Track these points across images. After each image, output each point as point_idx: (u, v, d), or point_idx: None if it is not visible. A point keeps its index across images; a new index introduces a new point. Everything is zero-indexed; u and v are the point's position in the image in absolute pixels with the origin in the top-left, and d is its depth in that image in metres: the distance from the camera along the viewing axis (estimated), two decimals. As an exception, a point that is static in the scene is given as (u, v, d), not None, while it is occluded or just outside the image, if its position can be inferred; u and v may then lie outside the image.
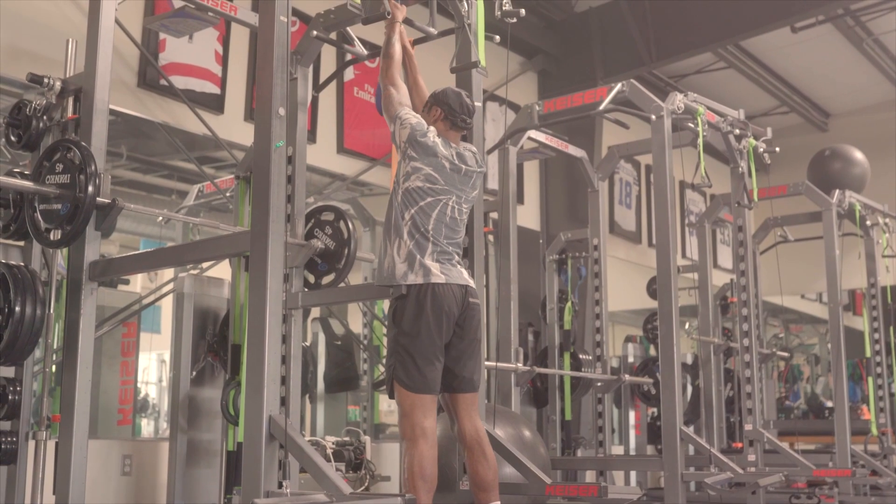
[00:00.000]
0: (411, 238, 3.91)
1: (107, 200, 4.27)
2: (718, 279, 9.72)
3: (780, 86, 11.61)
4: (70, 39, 4.57)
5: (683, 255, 10.94)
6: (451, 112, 4.10)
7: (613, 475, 7.87)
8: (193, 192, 7.18)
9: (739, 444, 6.89)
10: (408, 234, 3.91)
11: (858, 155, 8.91)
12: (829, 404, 9.17)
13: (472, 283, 4.05)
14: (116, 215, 4.40)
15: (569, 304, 7.58)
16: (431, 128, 4.05)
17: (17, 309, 4.13)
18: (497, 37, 4.81)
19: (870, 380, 8.38)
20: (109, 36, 4.42)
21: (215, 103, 6.76)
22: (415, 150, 3.95)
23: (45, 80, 4.43)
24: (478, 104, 4.54)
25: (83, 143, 4.29)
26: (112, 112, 4.70)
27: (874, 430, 8.11)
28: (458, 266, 4.01)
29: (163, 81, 6.36)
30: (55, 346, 4.56)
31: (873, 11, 10.00)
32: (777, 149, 6.80)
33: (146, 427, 8.60)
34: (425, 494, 3.76)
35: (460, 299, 3.94)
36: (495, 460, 4.04)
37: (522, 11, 4.50)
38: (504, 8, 4.50)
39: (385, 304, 8.03)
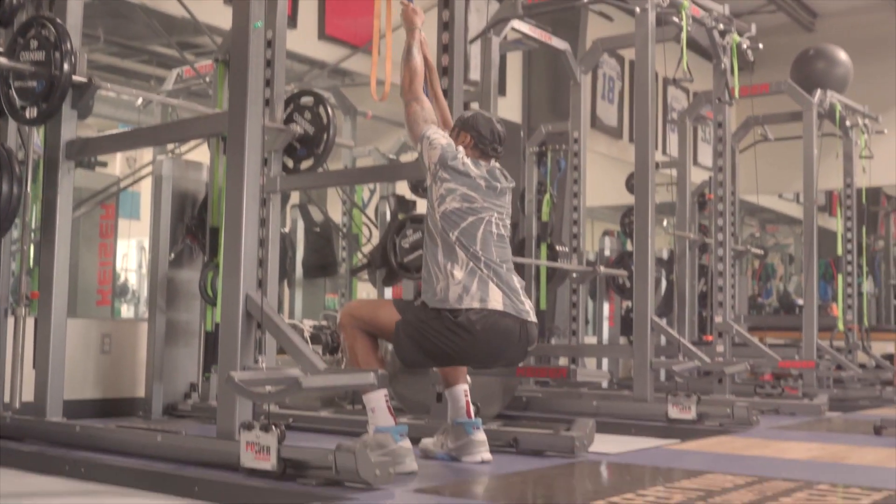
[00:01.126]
0: (464, 260, 3.64)
1: (83, 79, 4.24)
2: (697, 177, 9.76)
3: (768, -18, 11.48)
4: (46, -88, 4.47)
5: (664, 152, 10.96)
6: (481, 140, 3.83)
7: (585, 362, 8.06)
8: (172, 76, 7.13)
9: (710, 337, 7.04)
10: (460, 256, 3.64)
11: (842, 55, 8.89)
12: (801, 302, 9.32)
13: (533, 317, 3.75)
14: (93, 94, 4.39)
15: (547, 196, 7.62)
16: (460, 148, 3.80)
17: (-6, 186, 4.14)
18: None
19: (840, 277, 8.54)
20: None
21: (195, -17, 6.63)
22: (447, 172, 3.71)
23: (20, -45, 4.35)
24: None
25: (58, 20, 4.24)
26: (88, -4, 4.61)
27: (840, 326, 8.30)
28: (521, 295, 3.74)
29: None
30: (33, 226, 4.58)
31: None
32: (760, 45, 6.78)
33: (126, 311, 8.68)
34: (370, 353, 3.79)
35: (516, 341, 3.70)
36: None
37: None
38: None
39: (364, 192, 8.08)
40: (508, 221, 3.86)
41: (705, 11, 6.43)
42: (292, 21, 7.11)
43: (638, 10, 5.95)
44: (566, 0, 6.25)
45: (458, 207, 3.69)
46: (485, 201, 3.73)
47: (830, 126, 8.55)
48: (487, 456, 3.87)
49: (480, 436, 3.87)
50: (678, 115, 8.93)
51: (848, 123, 8.65)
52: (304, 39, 7.35)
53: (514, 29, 6.67)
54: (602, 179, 9.88)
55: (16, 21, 4.46)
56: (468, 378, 4.01)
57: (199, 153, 6.47)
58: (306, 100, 4.69)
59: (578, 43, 8.79)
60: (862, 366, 8.36)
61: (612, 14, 6.81)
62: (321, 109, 4.67)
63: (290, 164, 4.70)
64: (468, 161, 3.76)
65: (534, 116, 9.36)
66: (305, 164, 4.71)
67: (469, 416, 3.89)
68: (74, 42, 4.25)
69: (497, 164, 3.92)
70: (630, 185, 8.50)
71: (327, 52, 7.65)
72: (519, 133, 9.01)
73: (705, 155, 11.30)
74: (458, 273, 3.63)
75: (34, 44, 4.23)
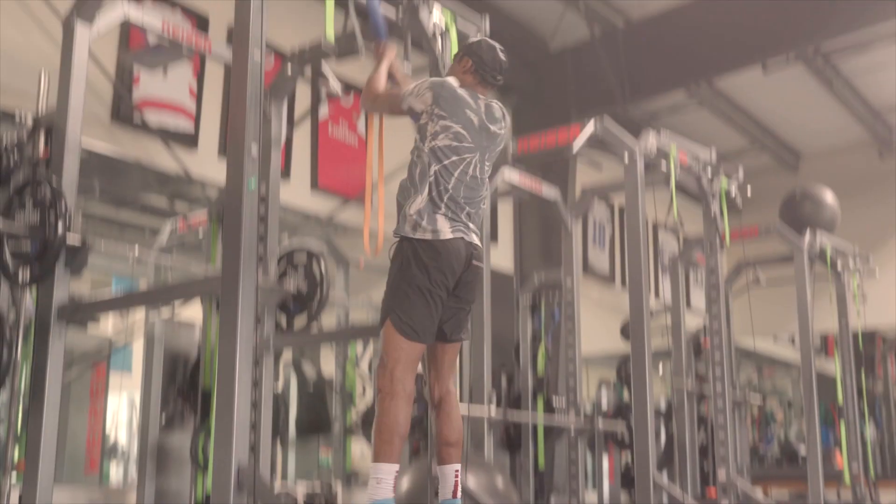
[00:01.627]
0: (429, 194, 3.76)
1: (77, 240, 4.20)
2: (692, 321, 9.72)
3: (752, 125, 11.72)
4: (43, 70, 4.53)
5: (657, 296, 10.95)
6: (481, 65, 3.91)
7: (588, 522, 7.81)
8: (166, 230, 7.11)
9: (713, 490, 6.83)
10: (427, 190, 3.76)
11: (829, 196, 8.95)
12: (803, 451, 9.12)
13: (478, 243, 3.88)
14: (87, 255, 4.34)
15: (542, 347, 7.53)
16: (449, 78, 3.90)
17: (-18, 352, 4.05)
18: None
19: (842, 424, 8.36)
20: (83, 70, 4.39)
21: (189, 139, 6.71)
22: (443, 108, 3.79)
23: (17, 116, 4.38)
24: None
25: (54, 181, 4.23)
26: (84, 151, 4.63)
27: (847, 480, 8.05)
28: (470, 227, 3.84)
29: (137, 119, 6.31)
30: (22, 390, 4.45)
31: (843, 52, 10.11)
32: (749, 190, 6.82)
33: (115, 472, 8.43)
34: (399, 445, 3.68)
35: (463, 256, 3.79)
36: (461, 422, 3.98)
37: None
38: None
39: (358, 347, 7.97)
40: (490, 164, 3.93)
41: (693, 157, 6.49)
42: (285, 173, 7.18)
43: (627, 158, 6.00)
44: (555, 151, 6.29)
45: (447, 145, 3.77)
46: (472, 141, 3.81)
47: (822, 266, 8.55)
48: None
49: None
50: (670, 261, 8.92)
51: (839, 265, 8.65)
52: (297, 191, 7.41)
53: (504, 178, 6.72)
54: (595, 326, 9.81)
55: (12, 181, 4.45)
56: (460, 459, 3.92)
57: (193, 310, 6.39)
58: (300, 257, 4.66)
59: (568, 190, 8.87)
60: (871, 517, 8.12)
61: (600, 160, 6.88)
62: (315, 266, 4.64)
63: (284, 320, 4.63)
64: (464, 91, 3.84)
65: (526, 263, 9.37)
66: (299, 322, 4.63)
67: (455, 496, 3.82)
68: (70, 202, 4.23)
69: (495, 104, 3.96)
70: (626, 334, 8.44)
71: (320, 204, 7.69)
72: (511, 284, 9.00)
73: (698, 297, 11.30)
74: (416, 206, 3.74)
75: (30, 204, 4.21)
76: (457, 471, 3.87)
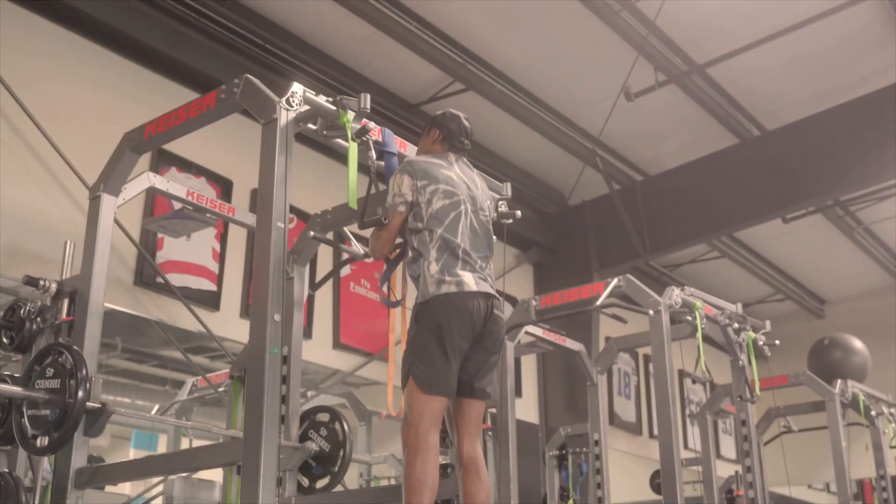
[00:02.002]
0: (441, 252, 3.87)
1: (97, 405, 4.17)
2: (722, 470, 9.49)
3: (775, 274, 11.71)
4: (68, 241, 4.59)
5: (685, 446, 10.71)
6: (449, 134, 4.14)
7: None
8: (187, 386, 7.10)
9: None
10: (437, 249, 3.87)
11: (858, 343, 8.88)
12: None
13: (496, 294, 3.98)
14: (106, 419, 4.30)
15: (570, 501, 7.36)
16: (415, 157, 4.10)
17: (-2, 520, 3.98)
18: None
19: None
20: (108, 238, 4.43)
21: (211, 300, 6.75)
22: (423, 178, 3.94)
23: (41, 283, 4.42)
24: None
25: (75, 348, 4.22)
26: (107, 311, 4.66)
27: None
28: (487, 279, 3.95)
29: (159, 279, 6.37)
30: (36, 556, 4.35)
31: (862, 202, 10.20)
32: (777, 341, 6.76)
33: None
34: (430, 499, 3.67)
35: (484, 309, 3.88)
36: (489, 482, 3.93)
37: (518, 213, 4.53)
38: (501, 209, 4.52)
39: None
40: (486, 218, 4.08)
41: (718, 310, 6.45)
42: (307, 331, 7.18)
43: (652, 312, 5.98)
44: (578, 305, 6.28)
45: (442, 205, 3.92)
46: (461, 193, 3.99)
47: (854, 414, 8.38)
48: None
49: None
50: (698, 411, 8.79)
51: (873, 412, 8.49)
52: (319, 348, 7.40)
53: (527, 332, 6.70)
54: (623, 476, 9.60)
55: (35, 347, 4.46)
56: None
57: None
58: (322, 416, 4.60)
59: (592, 342, 8.83)
60: None
61: (624, 314, 6.86)
62: (337, 426, 4.57)
63: (306, 482, 4.54)
64: (429, 157, 4.05)
65: (551, 416, 9.24)
66: (321, 482, 4.54)
67: None
68: (91, 368, 4.20)
69: (474, 172, 4.17)
70: (656, 485, 8.25)
71: (342, 360, 7.67)
72: (536, 434, 8.87)
73: (727, 446, 11.08)
74: (435, 265, 3.84)
75: (50, 371, 4.19)
76: None
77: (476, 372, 3.96)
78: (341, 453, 4.53)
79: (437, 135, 4.18)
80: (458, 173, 4.08)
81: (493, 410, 6.92)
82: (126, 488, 7.42)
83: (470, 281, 3.86)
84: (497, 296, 4.00)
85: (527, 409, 9.09)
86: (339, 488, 4.76)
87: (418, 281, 3.94)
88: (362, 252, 4.90)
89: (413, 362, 3.85)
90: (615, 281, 6.09)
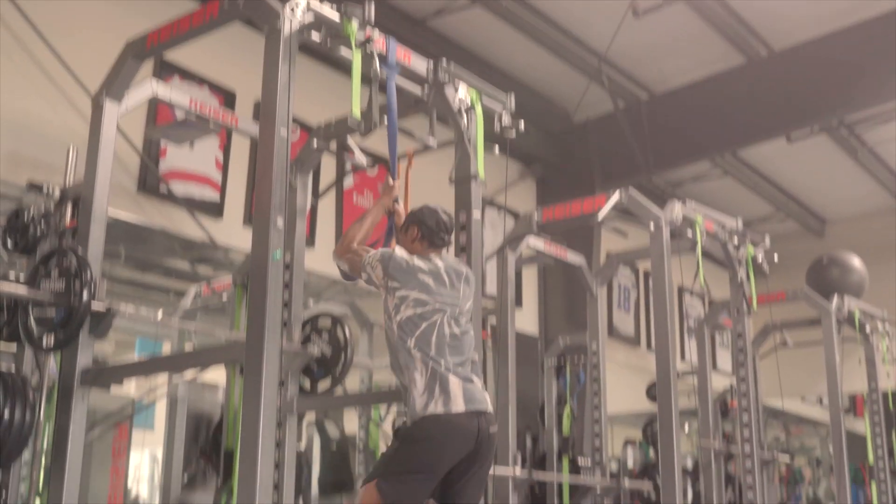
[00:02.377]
0: (424, 367, 3.72)
1: (102, 307, 4.25)
2: (718, 382, 9.63)
3: (777, 193, 11.71)
4: (71, 146, 4.61)
5: (682, 359, 10.88)
6: (428, 232, 3.97)
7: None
8: (190, 294, 7.17)
9: (742, 553, 6.74)
10: (420, 362, 3.73)
11: (856, 262, 8.94)
12: (833, 512, 9.01)
13: (490, 408, 3.82)
14: (111, 321, 4.38)
15: (567, 409, 7.51)
16: (397, 248, 3.94)
17: (6, 415, 4.11)
18: (497, 146, 4.82)
19: (873, 484, 8.27)
20: (111, 145, 4.45)
21: (215, 209, 6.79)
22: (395, 280, 3.81)
23: (45, 188, 4.46)
24: (476, 215, 4.52)
25: (80, 251, 4.29)
26: (110, 218, 4.71)
27: (879, 547, 7.95)
28: (479, 389, 3.80)
29: (163, 187, 6.40)
30: (44, 450, 4.48)
31: (867, 122, 10.15)
32: (776, 257, 6.81)
33: (137, 531, 8.41)
34: None
35: (475, 430, 3.72)
36: None
37: (522, 125, 4.53)
38: (504, 124, 4.52)
39: (382, 407, 7.95)
40: (467, 320, 3.92)
41: (719, 225, 6.49)
42: (310, 240, 7.23)
43: (652, 226, 6.02)
44: (580, 219, 6.31)
45: (411, 315, 3.77)
46: (436, 301, 3.81)
47: (849, 330, 8.49)
48: None
49: None
50: (696, 324, 8.89)
51: (868, 329, 8.59)
52: (321, 258, 7.43)
53: (529, 246, 6.75)
54: (620, 387, 9.74)
55: (39, 250, 4.52)
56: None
57: (216, 372, 6.42)
58: (324, 321, 4.67)
59: (593, 256, 8.88)
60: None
61: (625, 228, 6.92)
62: (339, 330, 4.65)
63: (308, 384, 4.64)
64: (412, 258, 3.87)
65: (550, 327, 9.35)
66: (323, 384, 4.64)
67: None
68: (95, 271, 4.27)
69: (450, 258, 4.02)
70: (652, 395, 8.40)
71: (345, 269, 7.72)
72: (536, 345, 8.99)
73: (724, 359, 11.22)
74: (420, 380, 3.70)
75: (55, 273, 4.26)
76: None
77: (463, 485, 3.81)
78: (343, 357, 4.62)
79: (416, 232, 3.99)
80: (441, 276, 3.88)
81: (493, 320, 7.03)
82: (131, 391, 7.58)
83: (458, 397, 3.70)
84: (490, 412, 3.82)
85: (527, 320, 9.20)
86: (339, 392, 4.88)
87: (405, 390, 3.79)
88: (365, 162, 4.93)
89: (385, 474, 3.68)
90: (617, 195, 6.11)
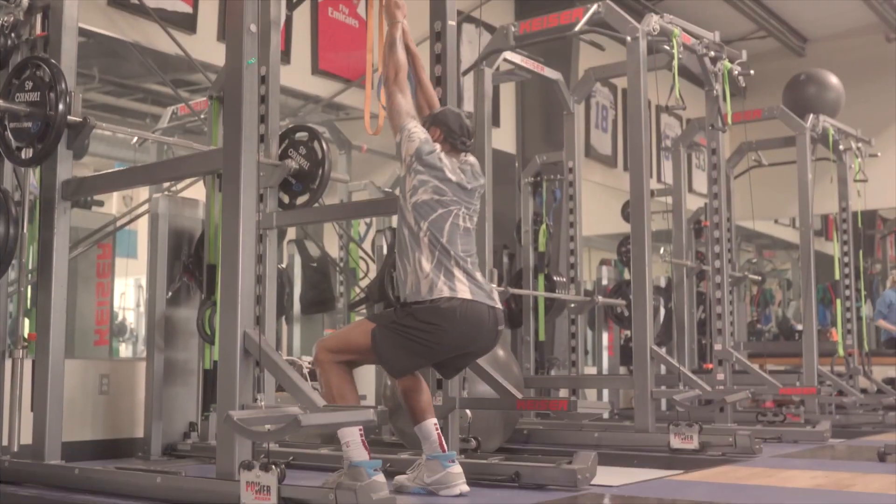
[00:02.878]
0: (431, 251, 3.77)
1: (78, 118, 4.25)
2: (693, 203, 9.79)
3: (758, 9, 11.54)
4: (37, -48, 4.48)
5: (659, 180, 10.98)
6: (450, 134, 3.95)
7: (586, 393, 8.03)
8: (167, 114, 7.14)
9: (710, 366, 7.02)
10: (428, 247, 3.78)
11: (833, 79, 8.95)
12: (800, 327, 9.31)
13: (499, 305, 3.92)
14: (88, 134, 4.39)
15: (543, 226, 7.64)
16: (437, 145, 3.91)
17: (-9, 228, 4.14)
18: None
19: (838, 302, 8.52)
20: (78, -50, 4.35)
21: (187, 22, 6.66)
22: (421, 165, 3.83)
23: (11, -3, 4.37)
24: (451, 23, 4.49)
25: (52, 61, 4.25)
26: (82, 32, 4.62)
27: (841, 351, 8.27)
28: (485, 283, 3.88)
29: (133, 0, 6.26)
30: (29, 267, 4.56)
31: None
32: (752, 71, 6.80)
33: (124, 350, 8.64)
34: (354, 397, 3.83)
35: (487, 324, 3.82)
36: (427, 388, 4.04)
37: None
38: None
39: (361, 226, 8.07)
40: (475, 217, 3.97)
41: (696, 39, 6.46)
42: (286, 56, 7.15)
43: (629, 39, 5.99)
44: (557, 31, 6.25)
45: (428, 199, 3.81)
46: (454, 195, 3.85)
47: (824, 150, 8.57)
48: (465, 488, 3.84)
49: (456, 468, 3.84)
50: (672, 143, 8.96)
51: (841, 147, 8.67)
52: (297, 74, 7.38)
53: (506, 60, 6.71)
54: (598, 208, 9.89)
55: (11, 62, 4.47)
56: (468, 412, 3.99)
57: (196, 190, 6.46)
58: (301, 135, 4.67)
59: (571, 73, 8.83)
60: (863, 391, 8.33)
61: (603, 43, 6.85)
62: (316, 144, 4.64)
63: (286, 199, 4.67)
64: (444, 156, 3.88)
65: (528, 146, 9.38)
66: (301, 200, 4.68)
67: (443, 449, 3.87)
68: (69, 82, 4.25)
69: (470, 159, 4.03)
70: (626, 214, 8.52)
71: (321, 87, 7.68)
72: (513, 163, 9.05)
73: (700, 181, 11.34)
74: (427, 265, 3.75)
75: (29, 85, 4.24)
76: (435, 424, 3.92)
77: (460, 363, 4.01)
78: (320, 171, 4.63)
79: (439, 134, 3.95)
80: (460, 177, 3.88)
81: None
82: (112, 208, 7.64)
83: (464, 287, 3.74)
84: (500, 307, 3.90)
85: (504, 139, 9.21)
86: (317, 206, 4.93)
87: (405, 272, 3.81)
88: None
89: (385, 326, 3.77)
90: (594, 7, 6.05)
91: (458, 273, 3.76)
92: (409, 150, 3.86)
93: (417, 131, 3.90)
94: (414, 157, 3.84)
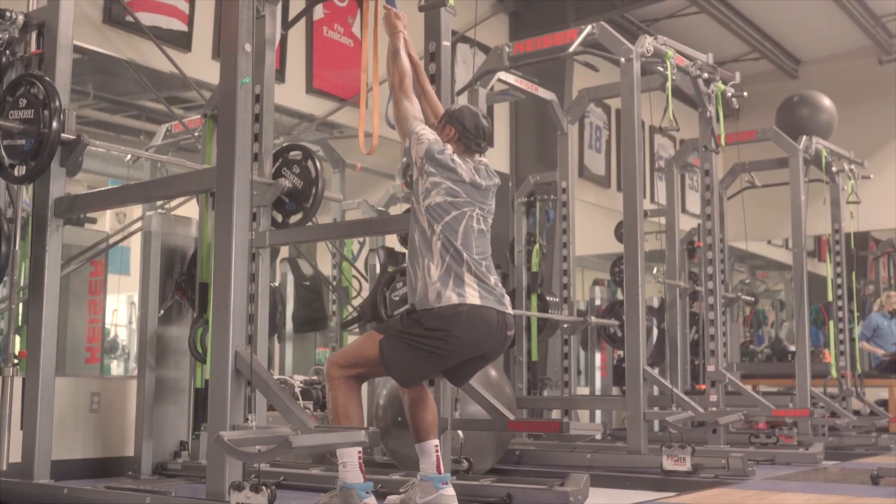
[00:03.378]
0: (443, 256, 3.68)
1: (72, 136, 4.25)
2: (686, 224, 9.81)
3: (752, 31, 11.60)
4: (33, -28, 4.50)
5: (652, 200, 10.99)
6: (465, 134, 3.85)
7: (578, 414, 8.01)
8: (161, 131, 7.14)
9: (703, 386, 7.00)
10: (439, 252, 3.69)
11: (826, 101, 8.99)
12: (793, 348, 9.30)
13: (510, 310, 3.81)
14: (82, 151, 4.39)
15: (537, 246, 7.64)
16: (448, 145, 3.84)
17: (-18, 244, 4.13)
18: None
19: (831, 323, 8.52)
20: (73, -32, 4.36)
21: (182, 40, 6.68)
22: (433, 166, 3.75)
23: (7, 14, 4.38)
24: (446, 44, 4.50)
25: (47, 79, 4.26)
26: (77, 49, 4.64)
27: (834, 373, 8.26)
28: (497, 288, 3.77)
29: (129, 18, 6.27)
30: (21, 284, 4.55)
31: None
32: (745, 93, 6.83)
33: (115, 368, 8.61)
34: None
35: (495, 329, 3.72)
36: (435, 406, 3.99)
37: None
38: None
39: (354, 245, 8.06)
40: (490, 218, 3.89)
41: (690, 60, 6.48)
42: (280, 75, 7.16)
43: (623, 60, 6.01)
44: (551, 52, 6.27)
45: (441, 201, 3.72)
46: (468, 196, 3.77)
47: (817, 172, 8.60)
48: None
49: (449, 490, 3.78)
50: (665, 164, 8.97)
51: (834, 169, 8.70)
52: (292, 93, 7.40)
53: (500, 80, 6.73)
54: (591, 228, 9.91)
55: (5, 80, 4.47)
56: (460, 433, 3.97)
57: (189, 208, 6.46)
58: (295, 154, 4.67)
59: (564, 93, 8.87)
60: (856, 413, 8.32)
61: (597, 64, 6.87)
62: (310, 163, 4.65)
63: (280, 218, 4.68)
64: (455, 157, 3.80)
65: (521, 166, 9.41)
66: (294, 219, 4.68)
67: (439, 471, 3.82)
68: (63, 100, 4.26)
69: (484, 160, 3.96)
70: (619, 234, 8.54)
71: (315, 106, 7.69)
72: (507, 183, 9.06)
73: (693, 202, 11.35)
74: (435, 272, 3.66)
75: (23, 102, 4.25)
76: (437, 446, 3.86)
77: (467, 371, 3.92)
78: (314, 190, 4.63)
79: (453, 133, 3.86)
80: (473, 177, 3.79)
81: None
82: (105, 225, 7.62)
83: (473, 293, 3.65)
84: (510, 313, 3.79)
85: (498, 158, 9.22)
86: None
87: (415, 277, 3.74)
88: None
89: (393, 336, 3.70)
90: (589, 28, 6.07)
91: (468, 278, 3.67)
92: (419, 152, 3.78)
93: (426, 133, 3.83)
94: (425, 158, 3.76)
